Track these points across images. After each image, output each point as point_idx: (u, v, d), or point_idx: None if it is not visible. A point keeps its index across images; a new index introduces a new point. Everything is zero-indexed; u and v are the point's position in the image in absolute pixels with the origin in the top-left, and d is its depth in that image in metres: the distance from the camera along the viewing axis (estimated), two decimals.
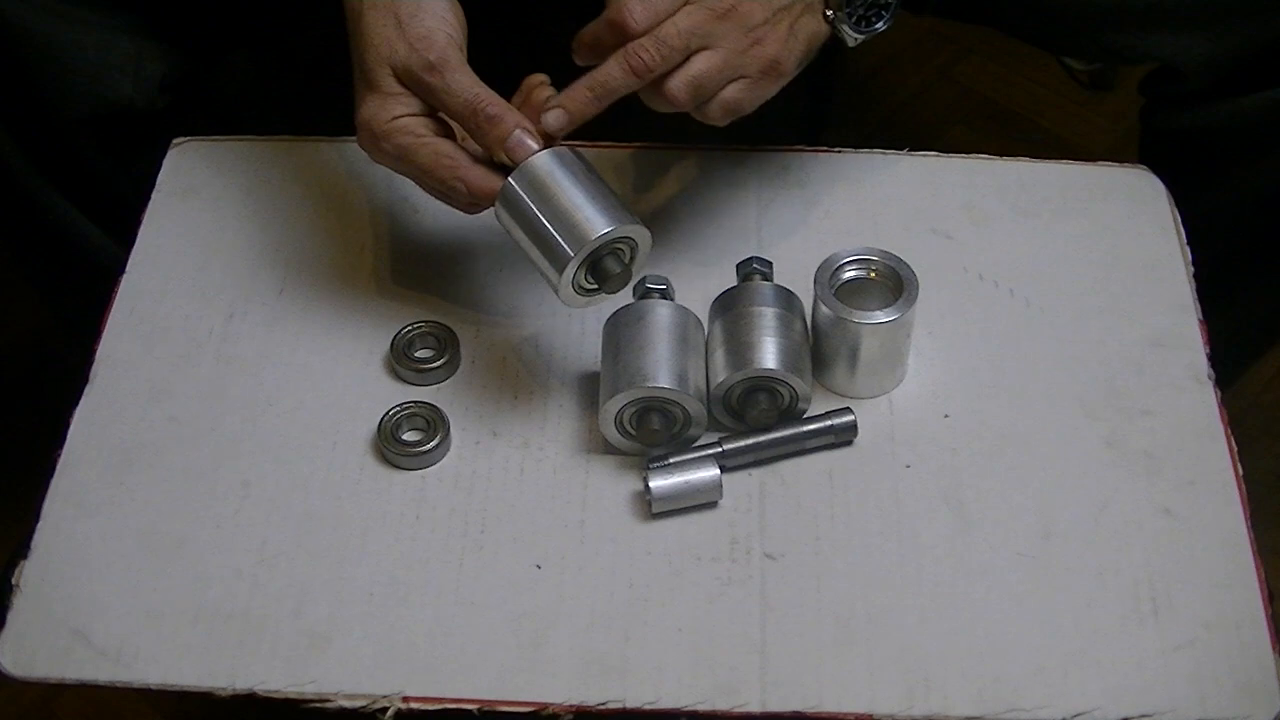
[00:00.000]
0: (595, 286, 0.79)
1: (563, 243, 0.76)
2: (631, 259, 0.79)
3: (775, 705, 0.72)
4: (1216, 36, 0.90)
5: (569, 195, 0.76)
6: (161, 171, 0.96)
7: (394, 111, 0.77)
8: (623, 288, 0.79)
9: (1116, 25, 0.94)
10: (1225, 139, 0.93)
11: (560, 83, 0.79)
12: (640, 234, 0.78)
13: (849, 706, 0.72)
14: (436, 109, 0.78)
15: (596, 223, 0.76)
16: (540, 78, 0.80)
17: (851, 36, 0.84)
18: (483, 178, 0.77)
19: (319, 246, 0.92)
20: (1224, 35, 0.90)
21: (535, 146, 0.76)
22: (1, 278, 1.45)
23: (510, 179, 0.77)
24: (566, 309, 0.88)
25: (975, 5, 1.01)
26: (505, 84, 0.80)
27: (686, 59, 0.77)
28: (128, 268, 0.91)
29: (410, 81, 0.77)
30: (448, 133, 0.78)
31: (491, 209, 0.79)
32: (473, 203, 0.79)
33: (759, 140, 0.96)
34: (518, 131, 0.76)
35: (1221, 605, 0.75)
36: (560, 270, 0.76)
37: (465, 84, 0.76)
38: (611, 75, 0.76)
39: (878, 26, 0.85)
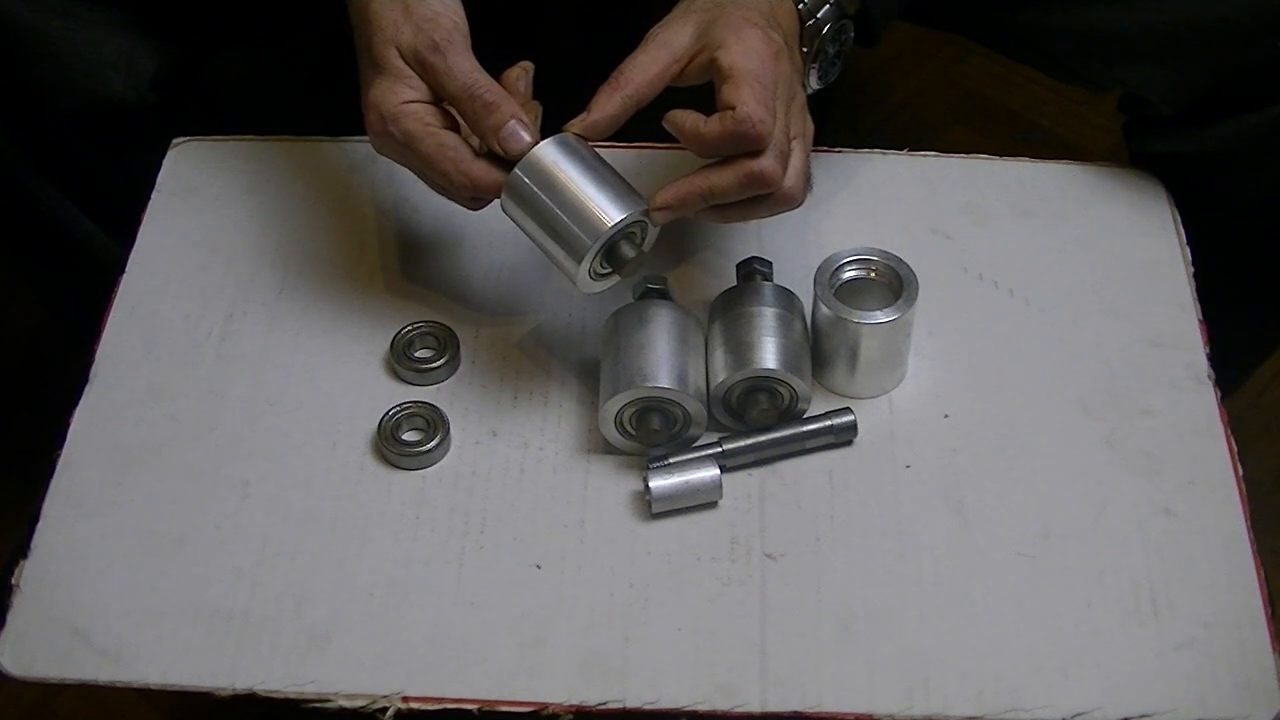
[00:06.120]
0: (608, 271, 0.79)
1: (578, 234, 0.75)
2: (643, 241, 0.79)
3: (775, 705, 0.72)
4: (1178, 68, 0.90)
5: (578, 184, 0.75)
6: (161, 171, 0.96)
7: (403, 95, 0.77)
8: (638, 271, 0.79)
9: (1081, 54, 0.94)
10: (1199, 163, 0.93)
11: (562, 91, 0.79)
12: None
13: (849, 706, 0.72)
14: (438, 93, 0.77)
15: (610, 211, 0.75)
16: (521, 69, 0.80)
17: (810, 88, 0.84)
18: (486, 172, 0.77)
19: (319, 246, 0.92)
20: (1185, 67, 0.90)
21: (528, 138, 0.76)
22: (1, 278, 1.45)
23: (517, 170, 0.76)
24: (566, 309, 0.88)
25: (949, 19, 1.01)
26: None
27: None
28: (128, 268, 0.91)
29: (415, 62, 0.77)
30: (453, 126, 0.78)
31: (493, 205, 0.79)
32: (475, 197, 0.79)
33: None
34: (512, 122, 0.75)
35: (1221, 605, 0.75)
36: (578, 261, 0.76)
37: (466, 68, 0.76)
38: (728, 184, 0.75)
39: (831, 76, 0.86)
